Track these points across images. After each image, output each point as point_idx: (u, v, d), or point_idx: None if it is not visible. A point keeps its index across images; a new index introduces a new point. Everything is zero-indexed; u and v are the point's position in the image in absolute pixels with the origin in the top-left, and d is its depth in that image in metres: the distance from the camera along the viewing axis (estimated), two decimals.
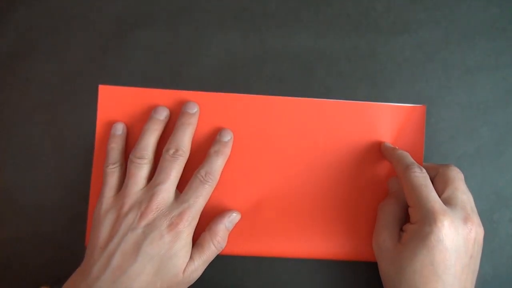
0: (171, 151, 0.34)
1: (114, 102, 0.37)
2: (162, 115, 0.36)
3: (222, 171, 0.36)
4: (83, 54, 0.38)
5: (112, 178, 0.35)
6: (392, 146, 0.37)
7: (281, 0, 0.38)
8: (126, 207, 0.33)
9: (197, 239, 0.35)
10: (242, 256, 0.37)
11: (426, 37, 0.38)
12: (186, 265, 0.33)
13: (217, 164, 0.35)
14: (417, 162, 0.37)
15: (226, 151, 0.36)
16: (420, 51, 0.38)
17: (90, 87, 0.38)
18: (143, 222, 0.32)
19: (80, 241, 0.37)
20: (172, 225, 0.32)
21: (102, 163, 0.37)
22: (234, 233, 0.36)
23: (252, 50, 0.38)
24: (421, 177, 0.33)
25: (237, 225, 0.37)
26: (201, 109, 0.38)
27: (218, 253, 0.35)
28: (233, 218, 0.36)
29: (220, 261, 0.37)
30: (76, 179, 0.37)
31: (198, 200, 0.34)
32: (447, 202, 0.32)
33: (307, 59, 0.38)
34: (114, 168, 0.35)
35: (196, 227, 0.34)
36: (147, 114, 0.37)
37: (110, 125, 0.37)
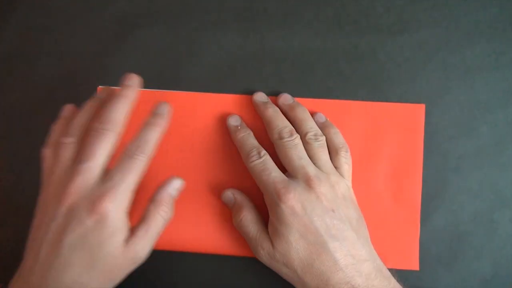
0: (96, 125, 0.30)
1: None
2: (103, 94, 0.34)
3: (221, 172, 0.36)
4: (83, 54, 0.38)
5: (45, 163, 0.32)
6: (235, 125, 0.37)
7: (281, 0, 0.38)
8: (50, 194, 0.30)
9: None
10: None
11: (426, 37, 0.38)
12: (131, 245, 0.30)
13: (149, 135, 0.31)
14: (417, 162, 0.37)
15: (161, 122, 0.32)
16: (420, 51, 0.38)
17: (90, 87, 0.38)
18: (62, 209, 0.29)
19: None
20: (94, 210, 0.28)
21: None
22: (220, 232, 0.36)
23: (252, 50, 0.38)
24: (258, 163, 0.34)
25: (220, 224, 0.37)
26: (201, 109, 0.38)
27: (166, 224, 0.32)
28: (176, 184, 0.33)
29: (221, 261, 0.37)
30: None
31: (126, 177, 0.29)
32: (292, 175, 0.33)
33: (307, 59, 0.38)
34: (48, 153, 0.32)
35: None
36: (147, 114, 0.37)
37: None
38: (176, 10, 0.38)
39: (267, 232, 0.33)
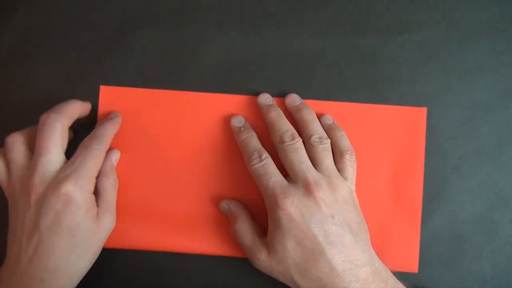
0: (44, 117, 0.33)
1: (115, 102, 0.37)
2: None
3: (223, 173, 0.36)
4: (83, 54, 0.38)
5: None
6: (238, 126, 0.37)
7: (281, 0, 0.38)
8: (17, 192, 0.33)
9: None
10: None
11: (426, 37, 0.38)
12: (99, 219, 0.33)
13: (104, 128, 0.35)
14: (418, 165, 0.37)
15: (115, 119, 0.36)
16: (420, 51, 0.38)
17: (90, 87, 0.38)
18: (33, 200, 0.31)
19: None
20: (60, 192, 0.31)
21: None
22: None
23: (252, 50, 0.38)
24: (259, 166, 0.34)
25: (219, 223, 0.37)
26: (201, 109, 0.38)
27: (116, 189, 0.35)
28: (116, 155, 0.36)
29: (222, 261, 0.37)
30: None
31: (84, 163, 0.32)
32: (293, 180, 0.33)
33: (307, 59, 0.38)
34: None
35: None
36: (147, 114, 0.37)
37: None
38: (176, 10, 0.38)
39: (262, 242, 0.34)
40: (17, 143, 0.33)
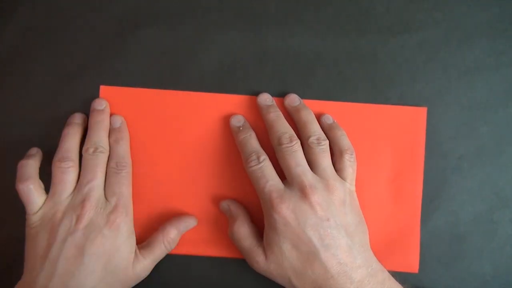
0: (91, 150, 0.35)
1: (115, 102, 0.37)
2: (80, 119, 0.37)
3: (223, 174, 0.36)
4: (83, 54, 0.38)
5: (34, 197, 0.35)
6: (237, 126, 0.37)
7: (281, 0, 0.38)
8: (59, 214, 0.33)
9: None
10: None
11: (426, 37, 0.38)
12: (136, 261, 0.34)
13: (122, 150, 0.36)
14: (418, 165, 0.37)
15: (124, 135, 0.36)
16: (420, 51, 0.38)
17: (90, 87, 0.38)
18: (81, 225, 0.32)
19: None
20: (110, 222, 0.33)
21: None
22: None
23: (252, 50, 0.38)
24: (257, 169, 0.34)
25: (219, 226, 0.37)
26: (201, 109, 0.38)
27: (167, 253, 0.36)
28: (188, 224, 0.36)
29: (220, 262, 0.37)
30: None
31: (123, 189, 0.34)
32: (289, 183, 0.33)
33: (307, 59, 0.38)
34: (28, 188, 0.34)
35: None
36: (147, 114, 0.37)
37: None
38: (176, 10, 0.38)
39: (260, 245, 0.34)
40: (72, 168, 0.34)
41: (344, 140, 0.36)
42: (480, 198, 0.37)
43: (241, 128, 0.36)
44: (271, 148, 0.35)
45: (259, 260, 0.33)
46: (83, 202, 0.33)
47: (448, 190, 0.37)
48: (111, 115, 0.37)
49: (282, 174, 0.34)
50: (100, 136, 0.35)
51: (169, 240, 0.35)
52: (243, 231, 0.35)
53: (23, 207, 0.37)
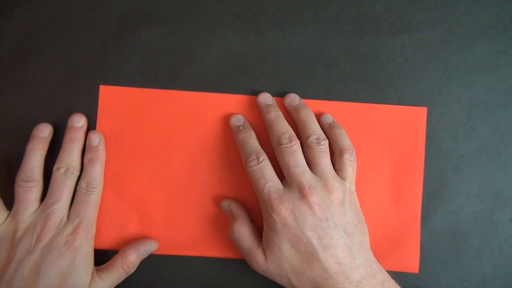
0: (62, 170, 0.35)
1: (115, 102, 0.37)
2: (45, 132, 0.36)
3: (223, 174, 0.36)
4: (83, 54, 0.38)
5: None
6: (237, 125, 0.37)
7: (281, 0, 0.38)
8: (20, 232, 0.33)
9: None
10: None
11: (426, 37, 0.38)
12: (93, 283, 0.33)
13: (95, 171, 0.35)
14: (418, 165, 0.37)
15: (100, 155, 0.36)
16: (420, 51, 0.38)
17: (90, 87, 0.38)
18: (41, 244, 0.33)
19: None
20: (69, 242, 0.33)
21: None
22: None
23: (252, 50, 0.38)
24: (256, 169, 0.34)
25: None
26: (201, 109, 0.37)
27: (126, 276, 0.35)
28: (149, 248, 0.36)
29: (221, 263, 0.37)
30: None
31: (88, 212, 0.34)
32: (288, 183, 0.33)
33: (307, 59, 0.38)
34: None
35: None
36: (147, 114, 0.37)
37: (110, 125, 0.37)
38: (176, 10, 0.38)
39: (260, 245, 0.34)
40: (36, 187, 0.34)
41: (344, 139, 0.36)
42: (480, 198, 0.37)
43: (241, 128, 0.36)
44: (271, 148, 0.35)
45: (259, 261, 0.33)
46: (45, 221, 0.33)
47: (448, 190, 0.37)
48: (89, 131, 0.36)
49: (282, 174, 0.34)
50: (73, 156, 0.35)
51: (128, 264, 0.35)
52: (243, 231, 0.35)
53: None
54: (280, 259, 0.32)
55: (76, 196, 0.35)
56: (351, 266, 0.32)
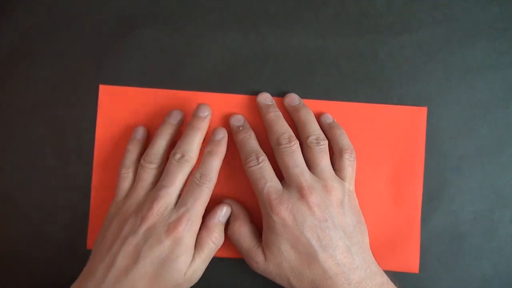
0: (178, 156, 0.34)
1: (114, 102, 0.38)
2: (176, 119, 0.36)
3: (223, 174, 0.36)
4: (83, 54, 0.38)
5: (124, 183, 0.35)
6: (237, 126, 0.36)
7: (281, 0, 0.38)
8: (130, 210, 0.33)
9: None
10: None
11: (426, 37, 0.38)
12: (189, 267, 0.32)
13: (212, 165, 0.34)
14: (418, 165, 0.37)
15: (220, 150, 0.35)
16: (420, 51, 0.38)
17: (90, 87, 0.38)
18: (144, 226, 0.32)
19: (80, 241, 0.37)
20: (170, 230, 0.32)
21: (102, 162, 0.37)
22: None
23: (252, 50, 0.38)
24: (256, 169, 0.34)
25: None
26: None
27: (217, 249, 0.34)
28: (225, 211, 0.35)
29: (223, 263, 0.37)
30: (76, 179, 0.37)
31: (196, 204, 0.33)
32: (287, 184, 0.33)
33: (307, 59, 0.38)
34: (127, 173, 0.35)
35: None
36: (147, 114, 0.37)
37: (110, 124, 0.37)
38: (176, 10, 0.38)
39: (260, 246, 0.34)
40: (155, 170, 0.35)
41: (344, 140, 0.36)
42: (480, 198, 0.37)
43: (240, 128, 0.36)
44: (270, 148, 0.35)
45: (258, 261, 0.33)
46: (151, 204, 0.32)
47: (448, 190, 0.37)
48: (216, 126, 0.36)
49: (282, 174, 0.34)
50: (191, 145, 0.34)
51: (215, 235, 0.34)
52: (243, 231, 0.35)
53: (23, 207, 0.37)
54: (280, 260, 0.32)
55: (187, 185, 0.34)
56: (350, 267, 0.32)
